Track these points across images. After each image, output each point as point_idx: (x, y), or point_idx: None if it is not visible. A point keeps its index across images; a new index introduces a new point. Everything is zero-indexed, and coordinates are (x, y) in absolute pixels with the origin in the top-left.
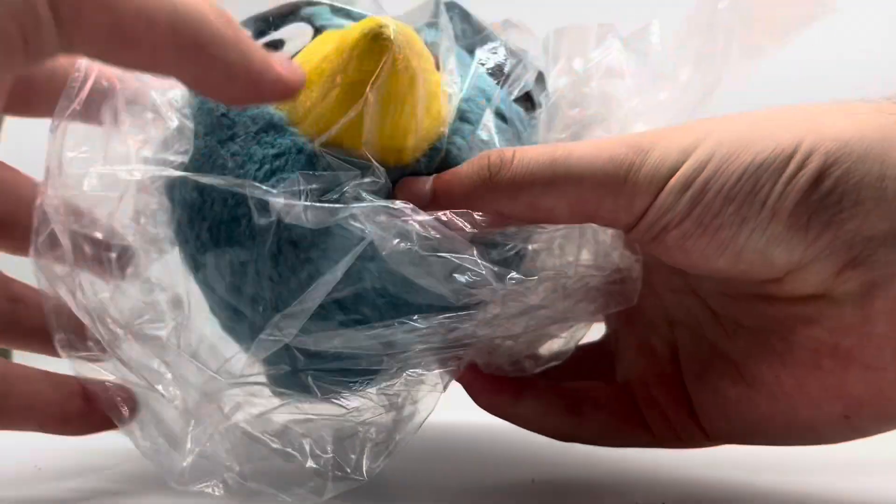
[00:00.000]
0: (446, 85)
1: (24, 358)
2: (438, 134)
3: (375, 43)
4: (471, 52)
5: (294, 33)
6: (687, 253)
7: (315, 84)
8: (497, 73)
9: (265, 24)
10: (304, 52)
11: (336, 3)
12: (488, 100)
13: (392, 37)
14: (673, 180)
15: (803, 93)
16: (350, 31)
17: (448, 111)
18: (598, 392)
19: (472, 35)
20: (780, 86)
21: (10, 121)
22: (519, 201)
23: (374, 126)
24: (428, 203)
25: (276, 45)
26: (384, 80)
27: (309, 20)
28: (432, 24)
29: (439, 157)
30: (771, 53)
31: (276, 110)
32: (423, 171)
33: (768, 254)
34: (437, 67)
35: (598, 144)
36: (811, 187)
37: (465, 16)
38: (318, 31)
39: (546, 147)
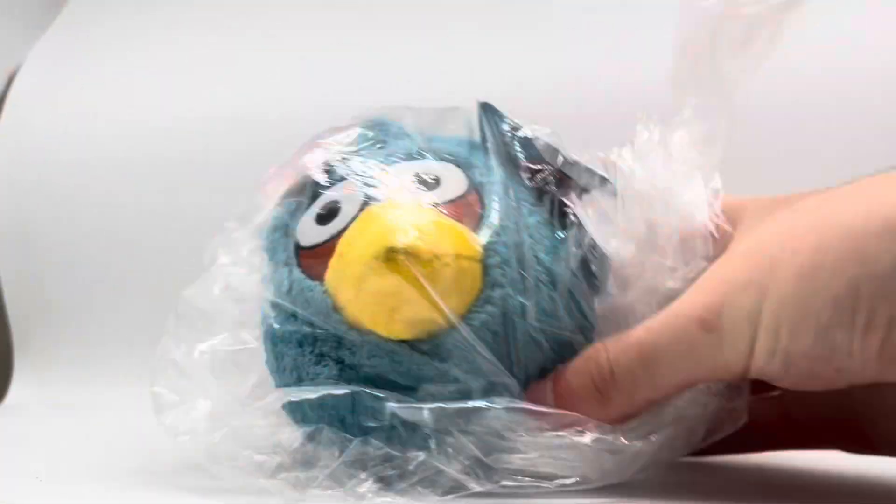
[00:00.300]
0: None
1: (24, 359)
2: (475, 298)
3: (389, 261)
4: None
5: None
6: (803, 389)
7: (348, 280)
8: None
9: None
10: (345, 241)
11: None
12: (552, 281)
13: (403, 254)
14: (756, 356)
15: None
16: (367, 247)
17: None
18: (769, 425)
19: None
20: None
21: (8, 117)
22: (637, 405)
23: (407, 315)
24: (553, 404)
25: (334, 211)
26: (408, 285)
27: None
28: (476, 147)
29: (488, 319)
30: (766, 60)
31: (324, 294)
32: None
33: (877, 379)
34: (482, 206)
35: (671, 328)
36: (888, 332)
37: (501, 120)
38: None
39: (628, 344)
